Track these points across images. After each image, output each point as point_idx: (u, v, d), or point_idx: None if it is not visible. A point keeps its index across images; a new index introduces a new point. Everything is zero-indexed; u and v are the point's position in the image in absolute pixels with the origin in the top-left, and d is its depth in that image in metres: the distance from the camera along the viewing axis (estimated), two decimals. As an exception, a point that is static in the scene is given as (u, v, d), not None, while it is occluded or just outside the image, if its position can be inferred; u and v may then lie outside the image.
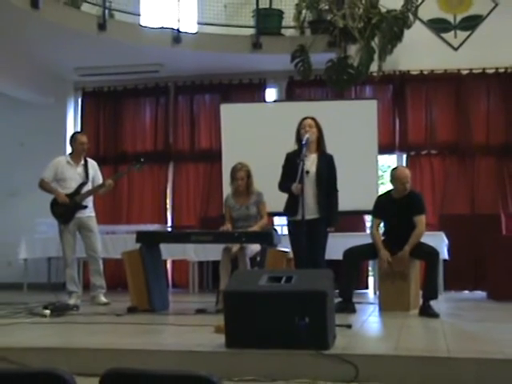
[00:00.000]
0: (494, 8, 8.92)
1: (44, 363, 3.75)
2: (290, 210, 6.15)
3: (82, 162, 7.08)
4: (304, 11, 8.60)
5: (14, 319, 5.50)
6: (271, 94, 9.64)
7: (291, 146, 6.31)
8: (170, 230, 9.45)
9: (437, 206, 8.89)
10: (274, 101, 9.49)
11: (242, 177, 6.58)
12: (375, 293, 7.77)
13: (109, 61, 8.89)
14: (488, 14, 8.94)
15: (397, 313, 5.88)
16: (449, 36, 9.06)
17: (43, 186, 7.02)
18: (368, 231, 7.02)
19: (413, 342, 4.48)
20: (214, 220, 8.30)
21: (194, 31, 8.81)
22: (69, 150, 7.28)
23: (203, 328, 4.76)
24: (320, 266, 5.96)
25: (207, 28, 8.75)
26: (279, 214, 7.88)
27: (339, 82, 8.56)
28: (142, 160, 7.24)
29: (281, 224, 8.59)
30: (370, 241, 6.31)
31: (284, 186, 6.19)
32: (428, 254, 5.99)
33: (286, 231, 6.67)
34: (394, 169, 6.53)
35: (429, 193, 8.76)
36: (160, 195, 9.71)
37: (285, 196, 6.24)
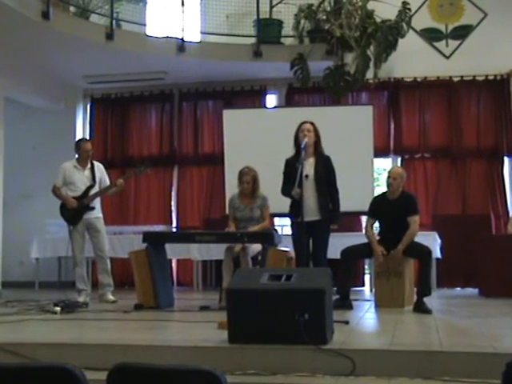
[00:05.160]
0: (483, 18, 9.03)
1: (54, 358, 3.74)
2: (294, 212, 6.21)
3: (89, 165, 7.19)
4: (303, 21, 8.68)
5: (26, 316, 5.57)
6: (271, 100, 9.69)
7: (290, 150, 6.38)
8: (174, 230, 9.48)
9: (430, 206, 8.97)
10: (274, 107, 9.55)
11: (248, 181, 6.67)
12: (371, 290, 7.82)
13: (116, 69, 8.95)
14: (478, 23, 9.05)
15: (392, 309, 5.96)
16: (441, 45, 9.16)
17: (55, 191, 7.15)
18: (364, 231, 7.16)
19: (407, 337, 4.53)
20: (217, 221, 8.44)
21: (198, 40, 8.84)
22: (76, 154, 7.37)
23: (207, 324, 4.82)
24: (322, 265, 6.02)
25: (210, 37, 8.79)
26: (280, 215, 8.05)
27: (336, 89, 8.68)
28: (146, 163, 7.34)
29: (281, 224, 8.70)
30: (366, 240, 6.38)
31: (285, 190, 6.25)
32: (421, 252, 6.07)
33: (286, 231, 6.77)
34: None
35: (422, 194, 8.83)
36: (165, 197, 9.76)
37: (285, 198, 6.29)
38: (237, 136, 8.79)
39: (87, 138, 9.32)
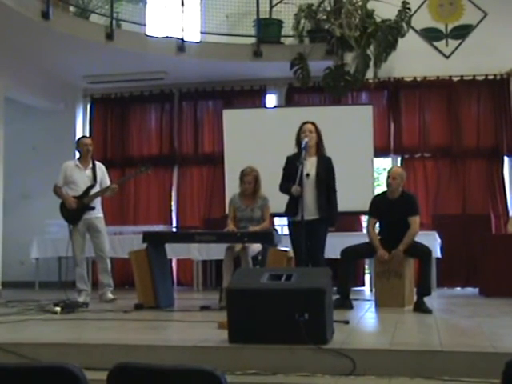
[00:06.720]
0: (483, 18, 9.03)
1: (55, 358, 3.77)
2: (291, 210, 6.21)
3: (91, 165, 7.21)
4: (303, 21, 8.68)
5: (26, 316, 5.58)
6: (271, 100, 9.69)
7: (290, 150, 6.36)
8: (174, 230, 9.48)
9: (430, 206, 8.97)
10: (274, 106, 9.56)
11: (250, 181, 6.68)
12: (371, 290, 7.83)
13: (116, 69, 8.95)
14: (478, 23, 9.05)
15: (392, 309, 5.98)
16: (440, 44, 9.16)
17: (56, 191, 7.18)
18: (364, 231, 7.03)
19: (407, 336, 4.56)
20: (217, 221, 8.44)
21: (198, 40, 8.83)
22: (77, 153, 7.40)
23: (207, 324, 4.84)
24: (320, 264, 6.05)
25: (210, 37, 8.77)
26: (279, 215, 8.01)
27: (336, 89, 8.69)
28: (146, 165, 7.38)
29: (281, 224, 8.67)
30: (366, 240, 6.39)
31: (284, 187, 6.26)
32: (421, 252, 6.10)
33: (286, 231, 6.75)
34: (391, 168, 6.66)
35: (422, 194, 8.85)
36: (165, 197, 9.77)
37: (285, 198, 6.30)
38: (237, 136, 8.79)
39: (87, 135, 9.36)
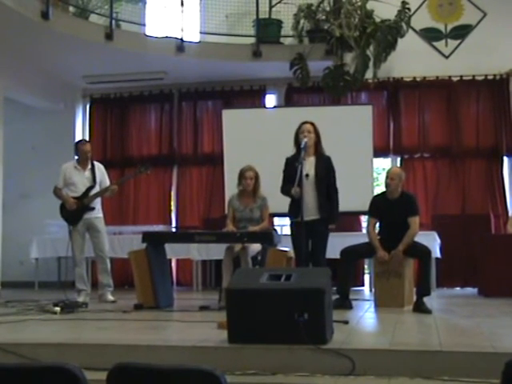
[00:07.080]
0: (482, 18, 9.04)
1: (54, 358, 3.74)
2: (293, 211, 6.20)
3: (89, 166, 7.22)
4: (302, 21, 8.69)
5: (26, 316, 5.58)
6: (271, 100, 9.71)
7: (290, 150, 6.37)
8: (174, 230, 9.49)
9: (429, 206, 8.97)
10: (274, 106, 9.57)
11: (252, 176, 6.65)
12: (371, 290, 7.82)
13: (116, 69, 8.96)
14: (477, 23, 9.06)
15: (392, 309, 5.97)
16: (440, 44, 9.17)
17: (56, 192, 7.18)
18: (364, 231, 7.06)
19: (407, 336, 4.54)
20: (217, 221, 8.42)
21: (197, 40, 8.85)
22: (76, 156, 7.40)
23: (206, 324, 4.82)
24: (320, 265, 6.05)
25: (209, 37, 8.79)
26: (279, 215, 8.06)
27: (336, 89, 8.70)
28: (146, 165, 7.40)
29: (281, 224, 8.69)
30: (365, 240, 6.38)
31: (285, 189, 6.26)
32: (421, 252, 6.09)
33: (285, 231, 6.76)
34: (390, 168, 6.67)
35: (422, 194, 8.84)
36: (165, 197, 9.78)
37: (284, 198, 6.30)
38: (236, 136, 8.79)
39: (86, 139, 9.34)
